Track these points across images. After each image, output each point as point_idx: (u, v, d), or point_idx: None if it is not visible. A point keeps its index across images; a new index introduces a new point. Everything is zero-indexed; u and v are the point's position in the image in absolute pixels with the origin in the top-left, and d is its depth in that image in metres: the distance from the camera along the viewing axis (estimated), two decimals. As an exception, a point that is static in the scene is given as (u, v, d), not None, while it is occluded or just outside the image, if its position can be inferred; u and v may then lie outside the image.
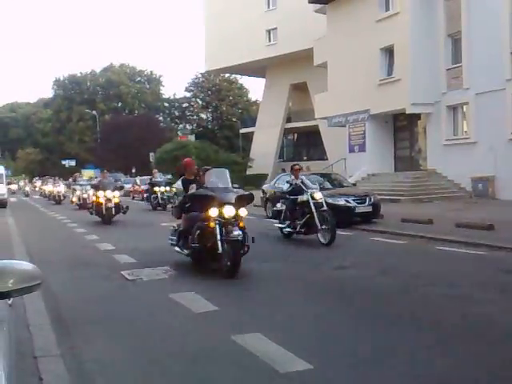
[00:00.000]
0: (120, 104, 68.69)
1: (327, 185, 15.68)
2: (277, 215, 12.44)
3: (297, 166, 11.94)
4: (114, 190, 16.72)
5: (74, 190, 25.69)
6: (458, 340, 4.63)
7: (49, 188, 34.93)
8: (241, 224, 7.80)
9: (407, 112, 23.53)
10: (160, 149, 42.46)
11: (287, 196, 11.73)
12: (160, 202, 22.09)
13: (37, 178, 53.84)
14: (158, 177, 24.17)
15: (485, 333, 4.83)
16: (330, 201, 13.89)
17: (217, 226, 7.61)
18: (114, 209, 16.48)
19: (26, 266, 2.25)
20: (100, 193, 16.35)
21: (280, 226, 11.86)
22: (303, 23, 34.75)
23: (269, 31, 40.16)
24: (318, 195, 11.03)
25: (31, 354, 4.35)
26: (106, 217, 16.35)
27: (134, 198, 31.21)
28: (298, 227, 11.21)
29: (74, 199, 25.29)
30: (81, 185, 25.65)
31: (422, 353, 4.32)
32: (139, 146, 48.93)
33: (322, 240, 10.64)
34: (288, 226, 11.53)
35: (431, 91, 22.70)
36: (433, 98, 22.92)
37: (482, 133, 20.96)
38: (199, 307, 5.88)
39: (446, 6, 22.43)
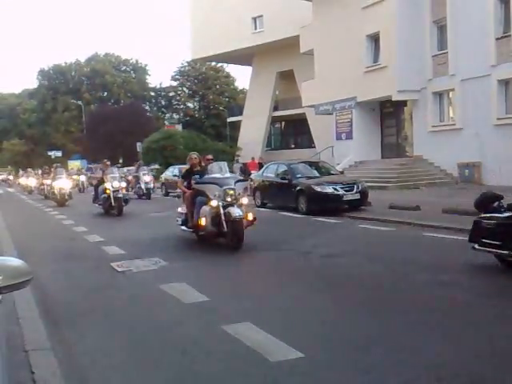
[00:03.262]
0: (106, 94, 67.93)
1: (315, 173, 15.75)
2: None
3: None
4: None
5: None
6: (446, 326, 4.69)
7: (24, 181, 32.16)
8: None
9: (393, 99, 23.57)
10: (147, 139, 42.18)
11: None
12: None
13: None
14: None
15: (473, 318, 4.90)
16: (317, 189, 14.02)
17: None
18: None
19: (15, 262, 2.25)
20: None
21: None
22: (289, 10, 34.56)
23: (255, 19, 39.88)
24: None
25: (22, 348, 4.34)
26: None
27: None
28: None
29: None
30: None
31: (410, 340, 4.38)
32: (126, 136, 48.53)
33: None
34: None
35: (417, 78, 22.75)
36: (419, 85, 22.97)
37: (467, 119, 21.08)
38: (190, 298, 5.89)
39: (431, -8, 22.42)
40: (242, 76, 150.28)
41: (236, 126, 47.84)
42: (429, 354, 4.03)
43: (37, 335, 4.69)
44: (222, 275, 7.26)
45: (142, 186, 23.31)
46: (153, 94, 70.55)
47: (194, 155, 10.65)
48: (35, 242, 11.16)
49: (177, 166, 26.85)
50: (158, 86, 70.29)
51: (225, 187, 9.12)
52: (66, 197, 21.17)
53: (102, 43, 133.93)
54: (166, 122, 60.09)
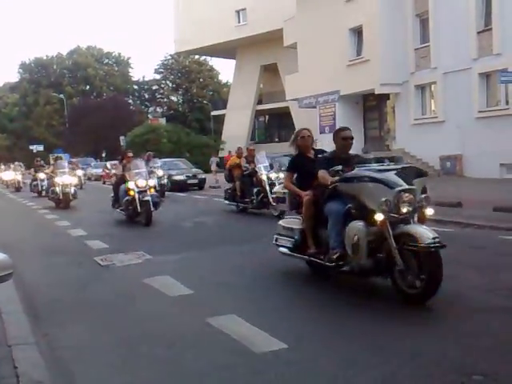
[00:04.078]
0: (88, 87, 67.31)
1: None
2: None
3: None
4: None
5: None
6: (429, 316, 4.76)
7: (11, 176, 30.60)
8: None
9: (376, 92, 23.71)
10: (131, 132, 41.92)
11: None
12: None
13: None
14: None
15: (454, 308, 4.97)
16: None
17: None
18: None
19: None
20: None
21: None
22: (272, 3, 34.54)
23: (238, 12, 39.81)
24: None
25: (5, 342, 4.31)
26: None
27: (105, 182, 30.79)
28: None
29: None
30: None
31: (394, 329, 4.44)
32: (109, 130, 48.17)
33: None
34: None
35: (400, 71, 22.89)
36: (401, 78, 23.13)
37: (449, 112, 21.28)
38: (174, 291, 5.89)
39: (413, -15, 22.55)
40: (225, 69, 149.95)
41: (220, 120, 47.74)
42: (412, 343, 4.09)
43: (20, 330, 4.65)
44: (205, 268, 7.26)
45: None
46: (136, 87, 70.07)
47: (307, 131, 6.55)
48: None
49: (161, 160, 26.71)
50: (141, 80, 69.87)
51: (398, 189, 4.98)
52: (71, 196, 17.09)
53: (84, 36, 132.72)
54: (150, 116, 59.80)
